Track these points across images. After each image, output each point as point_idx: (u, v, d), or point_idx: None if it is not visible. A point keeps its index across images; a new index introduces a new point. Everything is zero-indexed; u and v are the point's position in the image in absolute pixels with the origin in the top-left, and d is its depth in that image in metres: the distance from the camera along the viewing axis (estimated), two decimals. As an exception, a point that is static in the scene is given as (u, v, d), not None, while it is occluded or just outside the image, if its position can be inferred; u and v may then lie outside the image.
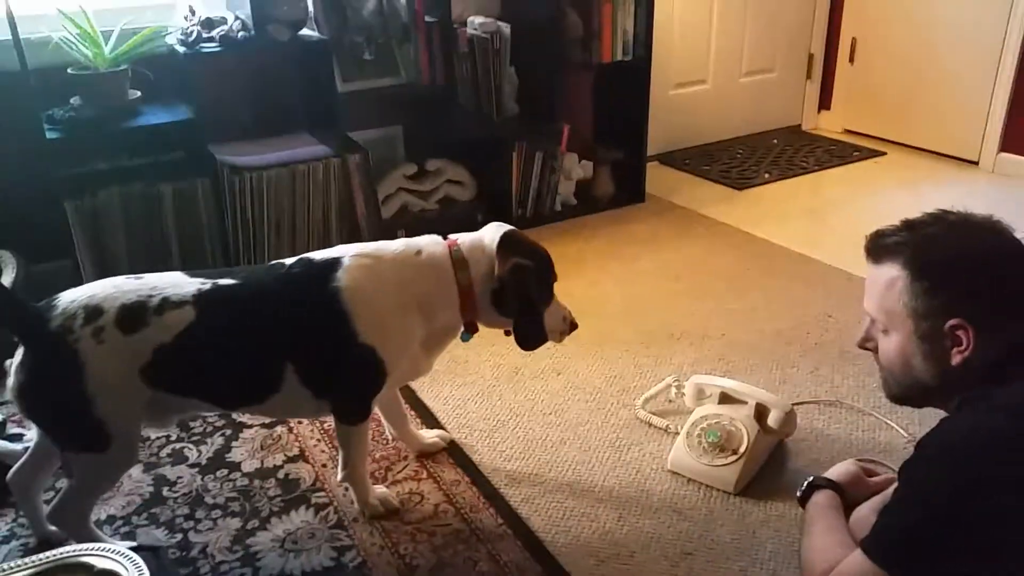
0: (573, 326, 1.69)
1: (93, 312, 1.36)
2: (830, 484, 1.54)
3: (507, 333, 1.68)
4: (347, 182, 2.66)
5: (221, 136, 2.64)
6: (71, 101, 2.44)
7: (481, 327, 1.65)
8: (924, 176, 3.55)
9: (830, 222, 3.13)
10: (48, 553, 0.88)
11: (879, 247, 1.32)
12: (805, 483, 1.56)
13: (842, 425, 1.90)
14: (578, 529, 1.61)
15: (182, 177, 2.49)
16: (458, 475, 1.77)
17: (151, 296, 1.40)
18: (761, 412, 1.76)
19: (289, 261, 1.54)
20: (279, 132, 2.75)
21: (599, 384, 2.11)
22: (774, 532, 1.58)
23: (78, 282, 2.36)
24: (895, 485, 1.26)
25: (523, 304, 1.58)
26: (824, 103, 4.23)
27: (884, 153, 3.84)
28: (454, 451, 1.85)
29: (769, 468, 1.75)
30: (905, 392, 1.35)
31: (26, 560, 0.86)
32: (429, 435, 1.87)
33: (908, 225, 1.31)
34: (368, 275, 1.50)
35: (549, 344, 2.25)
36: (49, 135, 2.32)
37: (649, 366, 2.17)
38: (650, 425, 1.91)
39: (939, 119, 3.71)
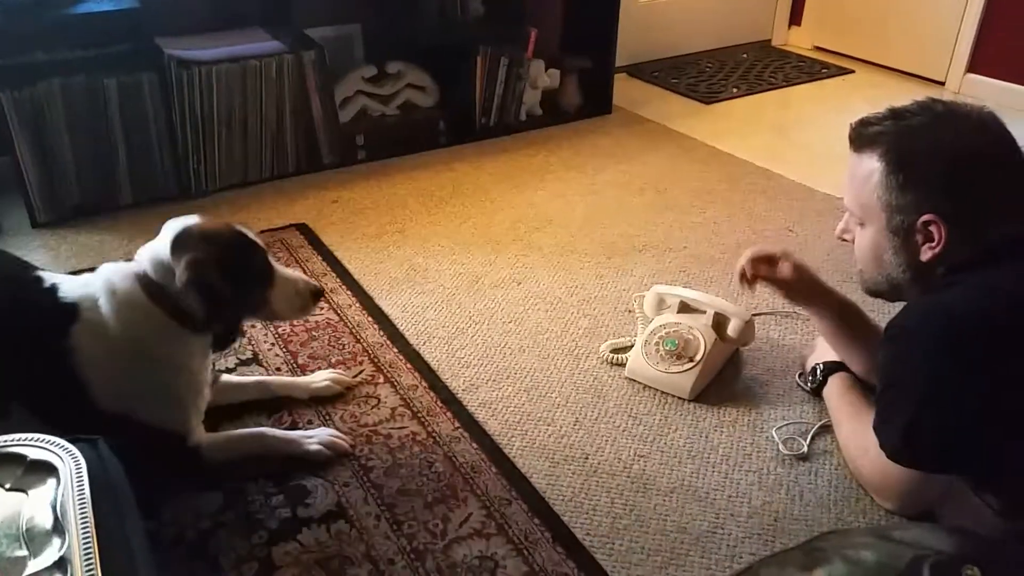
0: (316, 295, 1.48)
1: None
2: (838, 366, 1.59)
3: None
4: (302, 81, 2.55)
5: (169, 28, 2.50)
6: (4, -17, 2.27)
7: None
8: (891, 95, 3.48)
9: (795, 138, 3.10)
10: (-22, 444, 0.84)
11: (861, 135, 1.30)
12: (813, 372, 1.64)
13: (798, 336, 1.92)
14: (534, 433, 1.62)
15: (127, 71, 2.36)
16: (415, 380, 1.75)
17: None
18: (719, 321, 1.76)
19: (49, 280, 1.37)
20: (230, 26, 2.61)
21: (560, 294, 2.09)
22: (727, 437, 1.61)
23: (20, 179, 2.29)
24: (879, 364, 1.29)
25: (214, 302, 1.33)
26: (795, 19, 4.15)
27: (852, 71, 3.80)
28: (412, 356, 1.83)
29: (724, 376, 1.76)
30: (877, 286, 1.37)
31: (-45, 450, 0.82)
32: (319, 378, 1.70)
33: (893, 113, 1.28)
34: (99, 332, 1.33)
35: (510, 253, 2.25)
36: (-20, 19, 2.17)
37: (611, 277, 2.16)
38: (613, 364, 1.82)
39: (909, 38, 3.67)
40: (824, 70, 3.80)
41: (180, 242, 1.34)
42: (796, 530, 1.41)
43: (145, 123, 2.40)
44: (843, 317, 1.62)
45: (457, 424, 1.63)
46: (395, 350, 1.85)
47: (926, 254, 1.24)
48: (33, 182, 2.32)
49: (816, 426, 1.61)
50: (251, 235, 1.42)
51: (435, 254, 2.26)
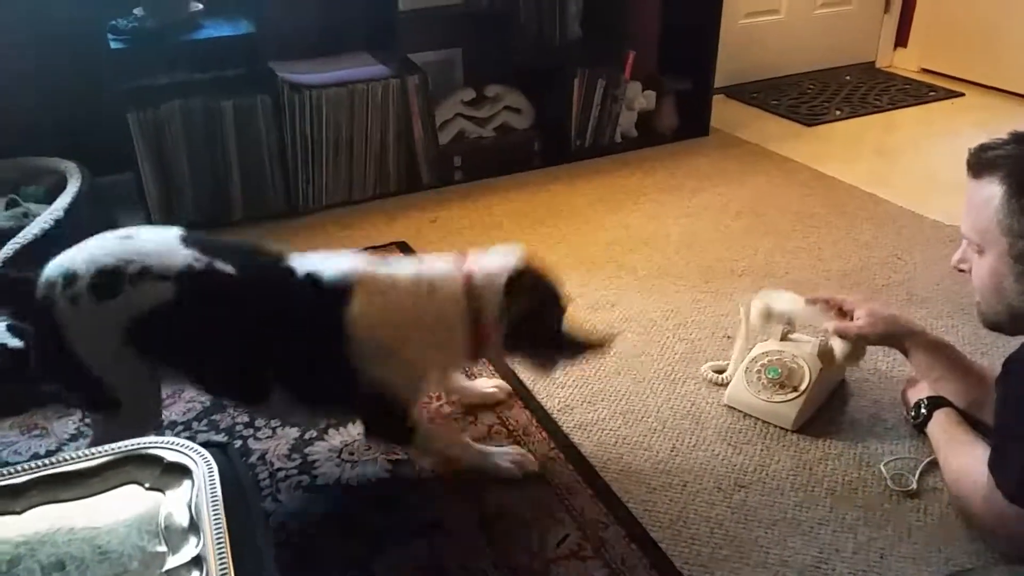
0: (594, 345, 1.55)
1: (71, 278, 1.31)
2: (943, 400, 1.55)
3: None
4: (405, 104, 2.63)
5: (282, 53, 2.61)
6: (134, 11, 2.43)
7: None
8: (1004, 119, 3.37)
9: (902, 163, 3.01)
10: (119, 444, 0.89)
11: (980, 160, 1.26)
12: (916, 407, 1.59)
13: (907, 368, 1.82)
14: (630, 457, 1.61)
15: (243, 93, 2.48)
16: (511, 399, 1.77)
17: (131, 262, 1.32)
18: (825, 350, 1.71)
19: (297, 266, 1.41)
20: (339, 51, 2.72)
21: (655, 317, 2.07)
22: (832, 470, 1.56)
23: (141, 194, 2.43)
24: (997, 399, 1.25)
25: (538, 343, 1.49)
26: (901, 40, 4.02)
27: (962, 94, 3.66)
28: (507, 375, 1.84)
29: (829, 407, 1.72)
30: (996, 318, 1.31)
31: (99, 449, 0.88)
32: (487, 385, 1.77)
33: (1015, 137, 1.24)
34: (380, 309, 1.38)
35: (605, 275, 2.25)
36: (113, 45, 2.33)
37: (708, 301, 2.13)
38: (712, 383, 1.82)
39: (1023, 58, 3.51)
40: (932, 93, 3.67)
41: (515, 280, 1.43)
42: (903, 568, 1.35)
43: (258, 143, 2.52)
44: (933, 354, 1.58)
45: (552, 444, 1.63)
46: (490, 368, 1.87)
47: None
48: (153, 197, 2.46)
49: (925, 461, 1.55)
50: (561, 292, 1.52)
51: (531, 274, 2.28)
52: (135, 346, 1.34)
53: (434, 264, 1.46)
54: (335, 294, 1.37)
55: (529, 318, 1.44)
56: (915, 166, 2.95)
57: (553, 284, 1.50)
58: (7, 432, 1.65)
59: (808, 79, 3.85)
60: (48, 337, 1.34)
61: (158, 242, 1.37)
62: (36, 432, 1.66)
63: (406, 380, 1.44)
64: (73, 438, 1.63)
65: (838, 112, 3.46)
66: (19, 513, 0.78)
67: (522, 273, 1.45)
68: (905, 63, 4.01)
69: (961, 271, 1.38)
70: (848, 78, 3.87)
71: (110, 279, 1.31)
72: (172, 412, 1.72)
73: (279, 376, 1.39)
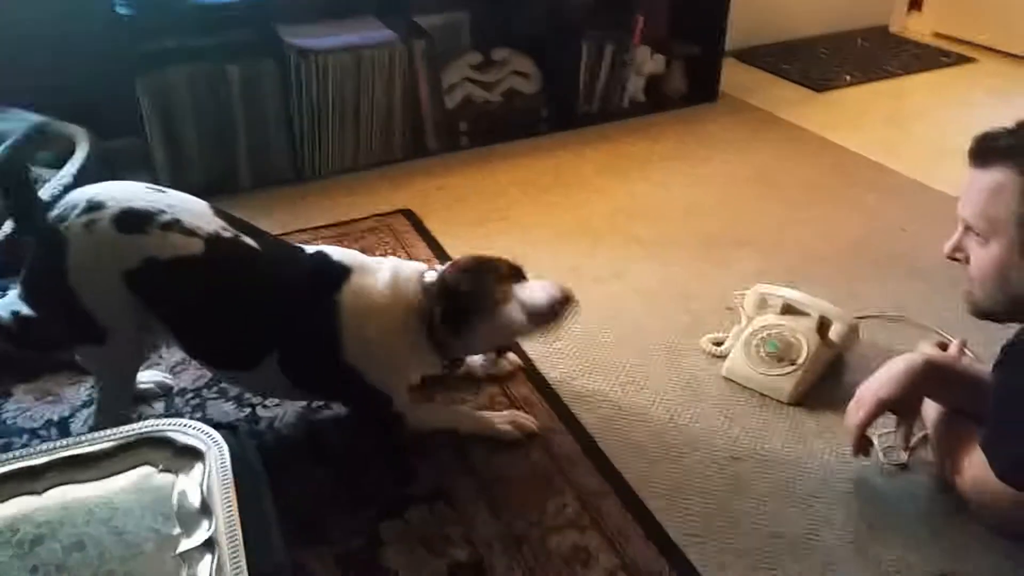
0: (566, 301, 1.48)
1: (95, 206, 1.34)
2: None
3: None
4: (412, 70, 2.62)
5: (288, 16, 2.60)
6: (141, -25, 2.41)
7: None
8: (1017, 86, 3.33)
9: (912, 131, 2.98)
10: (131, 426, 0.93)
11: (987, 149, 1.25)
12: None
13: (906, 342, 1.86)
14: (629, 428, 1.64)
15: (249, 58, 2.47)
16: (513, 369, 1.80)
17: (163, 212, 1.36)
18: (823, 324, 1.74)
19: (311, 249, 1.52)
20: (346, 15, 2.69)
21: (658, 288, 2.09)
22: (826, 443, 1.59)
23: (148, 159, 2.44)
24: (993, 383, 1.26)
25: (476, 312, 1.48)
26: (915, 3, 3.96)
27: (975, 60, 3.61)
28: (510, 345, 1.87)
29: (827, 381, 1.74)
30: (994, 307, 1.31)
31: (113, 431, 0.92)
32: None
33: (1023, 127, 1.24)
34: (363, 296, 1.46)
35: (610, 244, 2.27)
36: (119, 10, 2.31)
37: (712, 272, 2.15)
38: (710, 355, 1.85)
39: (1041, 23, 3.46)
40: (944, 58, 3.62)
41: (447, 269, 1.53)
42: (892, 540, 1.39)
43: (264, 108, 2.52)
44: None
45: (554, 415, 1.67)
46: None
47: None
48: (160, 162, 2.47)
49: (918, 436, 1.57)
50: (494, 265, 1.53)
51: (535, 243, 2.30)
52: (132, 288, 1.36)
53: (405, 264, 1.55)
54: (334, 276, 1.46)
55: (457, 292, 1.46)
56: (924, 135, 2.92)
57: (483, 261, 1.52)
58: (21, 398, 1.70)
59: (821, 43, 3.80)
60: (47, 257, 1.35)
61: (189, 203, 1.43)
62: (49, 398, 1.70)
63: (383, 372, 1.50)
64: (86, 404, 1.68)
65: (848, 77, 3.42)
66: (39, 494, 0.82)
67: (454, 263, 1.53)
68: (919, 27, 3.95)
69: (955, 260, 1.36)
70: (860, 42, 3.82)
71: (138, 217, 1.35)
72: (182, 379, 1.76)
73: (273, 345, 1.44)
